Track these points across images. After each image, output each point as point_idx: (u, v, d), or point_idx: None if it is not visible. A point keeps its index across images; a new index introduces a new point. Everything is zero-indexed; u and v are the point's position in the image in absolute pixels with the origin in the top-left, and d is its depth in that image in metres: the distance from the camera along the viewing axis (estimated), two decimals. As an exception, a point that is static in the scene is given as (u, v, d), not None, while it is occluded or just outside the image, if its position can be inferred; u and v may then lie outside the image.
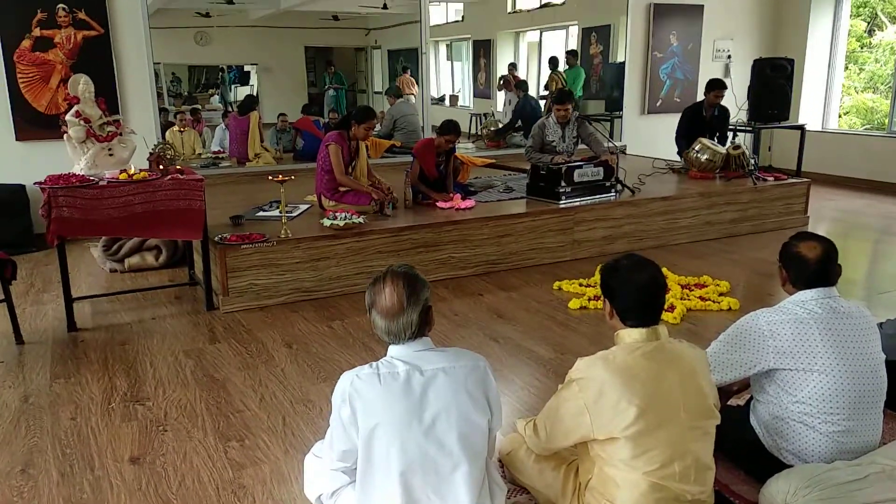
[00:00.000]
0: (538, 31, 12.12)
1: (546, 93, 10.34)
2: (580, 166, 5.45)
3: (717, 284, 4.64)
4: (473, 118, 11.88)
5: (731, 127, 6.94)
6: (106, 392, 3.28)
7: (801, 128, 7.60)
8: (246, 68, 11.83)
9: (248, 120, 8.11)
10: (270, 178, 4.48)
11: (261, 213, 5.16)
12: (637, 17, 8.46)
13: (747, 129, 7.58)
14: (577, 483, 2.17)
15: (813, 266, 2.30)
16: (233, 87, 11.83)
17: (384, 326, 1.88)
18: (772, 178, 6.38)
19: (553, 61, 10.81)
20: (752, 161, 6.43)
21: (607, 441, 1.96)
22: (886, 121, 10.06)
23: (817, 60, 9.14)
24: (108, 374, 3.47)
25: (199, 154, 8.57)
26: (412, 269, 1.95)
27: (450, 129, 5.36)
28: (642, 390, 1.94)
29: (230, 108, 10.86)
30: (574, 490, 2.17)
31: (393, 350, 1.91)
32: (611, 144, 5.86)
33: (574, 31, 10.79)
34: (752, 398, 2.54)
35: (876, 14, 10.82)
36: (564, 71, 10.10)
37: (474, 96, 13.23)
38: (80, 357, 3.69)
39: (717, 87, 6.58)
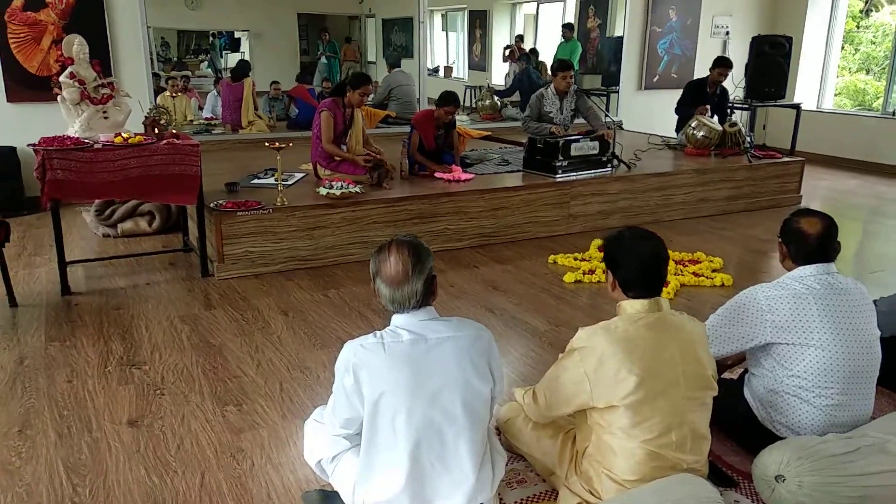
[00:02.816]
0: (535, 3, 12.00)
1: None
2: (577, 140, 5.43)
3: (711, 260, 4.67)
4: (468, 90, 11.80)
5: (728, 105, 6.94)
6: (102, 355, 3.28)
7: (797, 107, 7.60)
8: (236, 34, 11.63)
9: (241, 87, 8.00)
10: (267, 144, 4.44)
11: (255, 181, 5.13)
12: (637, -9, 8.40)
13: (744, 106, 7.57)
14: (574, 451, 2.21)
15: (813, 242, 2.33)
16: (223, 53, 11.64)
17: (389, 295, 1.88)
18: (763, 156, 6.39)
19: (519, 38, 10.90)
20: (748, 139, 6.43)
21: (606, 409, 1.99)
22: (876, 103, 10.11)
23: (815, 39, 9.11)
24: (103, 338, 3.47)
25: (191, 120, 8.46)
26: (416, 238, 1.94)
27: (449, 100, 5.32)
28: (642, 360, 1.96)
29: (220, 75, 10.72)
30: (571, 458, 2.20)
31: (397, 319, 1.91)
32: (608, 119, 5.85)
33: (572, 3, 10.69)
34: (746, 371, 2.58)
35: (874, -7, 10.79)
36: (560, 44, 10.03)
37: (469, 68, 13.11)
38: (75, 320, 3.68)
39: (722, 64, 6.55)
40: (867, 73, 10.82)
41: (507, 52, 11.09)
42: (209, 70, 11.18)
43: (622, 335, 2.00)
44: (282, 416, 2.79)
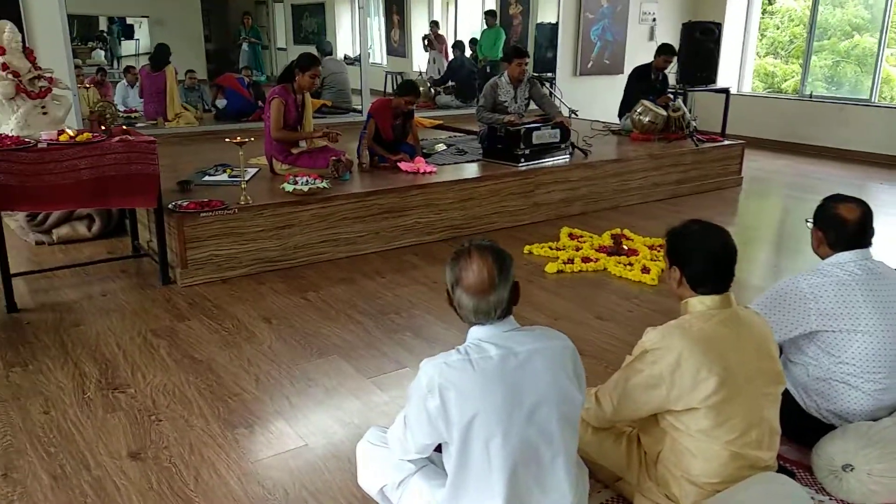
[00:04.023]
0: (453, -12, 11.89)
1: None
2: (538, 128, 5.38)
3: (681, 245, 4.72)
4: (388, 77, 11.58)
5: (669, 90, 7.09)
6: (76, 380, 2.94)
7: (726, 91, 7.86)
8: (129, 21, 10.88)
9: (163, 76, 7.47)
10: (228, 140, 4.13)
11: (208, 178, 4.78)
12: (569, -22, 8.43)
13: (678, 91, 7.74)
14: (641, 454, 2.13)
15: (852, 228, 2.34)
16: (120, 41, 10.88)
17: (472, 305, 1.72)
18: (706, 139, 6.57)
19: (434, 24, 11.01)
20: (693, 123, 6.58)
21: (684, 412, 1.92)
22: (784, 85, 10.69)
23: (734, 25, 9.45)
24: (71, 360, 3.11)
25: (107, 114, 7.82)
26: (494, 242, 1.80)
27: (410, 89, 5.14)
28: (721, 359, 1.90)
29: (116, 64, 10.00)
30: (640, 461, 2.13)
31: (478, 332, 1.75)
32: (567, 107, 5.83)
33: (491, -11, 10.65)
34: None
35: (779, -18, 11.34)
36: (483, 31, 9.96)
37: (388, 54, 12.86)
38: (32, 341, 3.29)
39: (667, 52, 6.68)
40: (774, 56, 11.41)
41: (426, 42, 10.96)
42: (103, 59, 10.42)
43: (699, 334, 1.93)
44: (300, 436, 2.57)
